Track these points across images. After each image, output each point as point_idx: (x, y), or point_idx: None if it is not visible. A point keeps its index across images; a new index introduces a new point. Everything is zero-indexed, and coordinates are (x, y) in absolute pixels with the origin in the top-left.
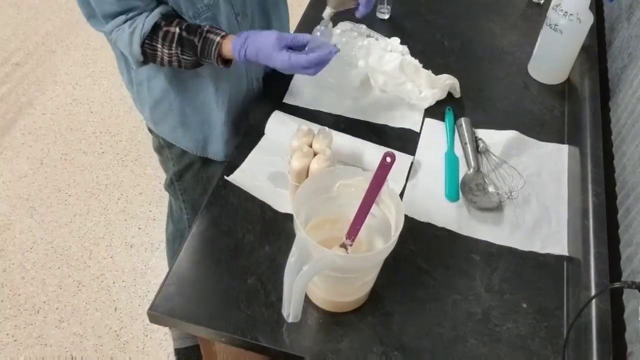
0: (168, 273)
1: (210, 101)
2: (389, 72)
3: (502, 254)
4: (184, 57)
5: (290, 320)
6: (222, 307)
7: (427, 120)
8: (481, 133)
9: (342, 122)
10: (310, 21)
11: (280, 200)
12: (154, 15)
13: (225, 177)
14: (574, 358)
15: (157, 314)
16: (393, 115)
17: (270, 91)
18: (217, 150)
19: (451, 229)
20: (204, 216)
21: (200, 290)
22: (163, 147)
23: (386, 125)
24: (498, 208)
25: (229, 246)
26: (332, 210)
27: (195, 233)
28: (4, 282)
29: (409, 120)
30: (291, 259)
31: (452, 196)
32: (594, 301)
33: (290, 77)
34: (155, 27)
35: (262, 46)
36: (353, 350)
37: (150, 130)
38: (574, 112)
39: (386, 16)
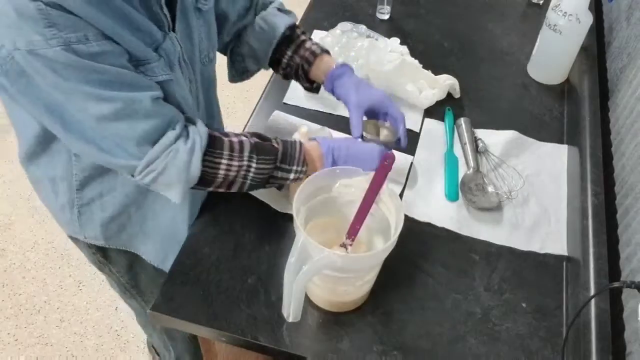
0: (168, 273)
1: (175, 213)
2: (389, 73)
3: (501, 253)
4: (259, 166)
5: (290, 320)
6: (222, 307)
7: (427, 120)
8: (481, 133)
9: (342, 122)
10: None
11: (280, 200)
12: (202, 124)
13: None
14: (573, 357)
15: (157, 314)
16: None
17: (270, 92)
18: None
19: (451, 229)
20: (204, 216)
21: (200, 290)
22: (105, 263)
23: None
24: (497, 208)
25: (229, 246)
26: (332, 210)
27: (195, 233)
28: (5, 282)
29: (408, 120)
30: (291, 259)
31: (452, 196)
32: (593, 301)
33: None
34: (213, 139)
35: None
36: (353, 349)
37: (86, 246)
38: (573, 112)
39: (386, 16)
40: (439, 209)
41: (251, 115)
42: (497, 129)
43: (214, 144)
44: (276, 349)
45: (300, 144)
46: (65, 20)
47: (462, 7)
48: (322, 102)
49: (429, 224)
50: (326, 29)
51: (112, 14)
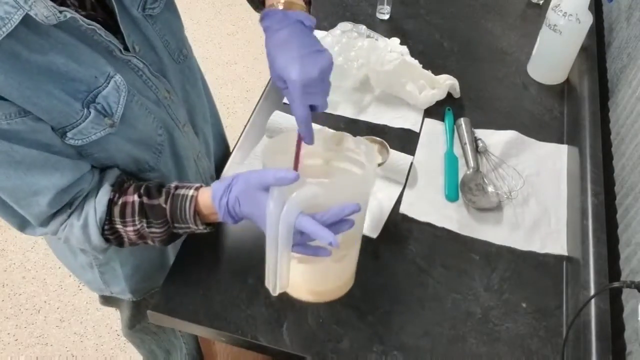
0: (168, 273)
1: None
2: (389, 73)
3: (501, 253)
4: (153, 229)
5: (277, 291)
6: (222, 307)
7: (427, 120)
8: (480, 133)
9: (342, 122)
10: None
11: None
12: (105, 193)
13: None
14: (573, 357)
15: (157, 314)
16: (393, 115)
17: (270, 92)
18: None
19: (451, 229)
20: None
21: (200, 290)
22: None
23: (386, 126)
24: (497, 208)
25: (229, 246)
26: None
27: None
28: (5, 282)
29: (408, 120)
30: (270, 206)
31: (452, 196)
32: (593, 301)
33: None
34: (109, 205)
35: (249, 186)
36: (353, 349)
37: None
38: (573, 112)
39: (386, 16)
40: (439, 209)
41: (251, 115)
42: (497, 129)
43: (109, 211)
44: (276, 349)
45: (192, 199)
46: None
47: (462, 7)
48: None
49: (429, 224)
50: (326, 29)
51: (30, 74)
